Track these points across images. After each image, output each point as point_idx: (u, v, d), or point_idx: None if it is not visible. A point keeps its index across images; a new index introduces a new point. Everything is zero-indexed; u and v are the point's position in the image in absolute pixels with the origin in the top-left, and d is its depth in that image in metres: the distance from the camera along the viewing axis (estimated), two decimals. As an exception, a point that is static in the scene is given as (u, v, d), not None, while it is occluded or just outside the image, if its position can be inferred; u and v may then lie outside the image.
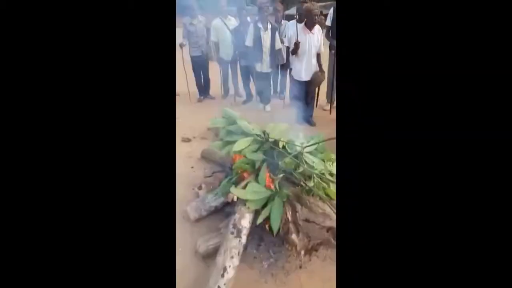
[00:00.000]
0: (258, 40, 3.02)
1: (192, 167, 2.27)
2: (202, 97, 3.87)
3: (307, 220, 1.28)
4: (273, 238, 1.46)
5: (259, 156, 1.46)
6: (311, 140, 1.56)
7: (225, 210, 1.71)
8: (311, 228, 1.28)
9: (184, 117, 3.13)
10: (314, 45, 2.64)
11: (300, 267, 1.35)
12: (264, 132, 1.57)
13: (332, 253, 1.40)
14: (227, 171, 2.00)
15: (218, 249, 1.29)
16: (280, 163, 1.42)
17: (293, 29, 2.72)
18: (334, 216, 1.29)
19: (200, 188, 1.84)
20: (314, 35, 2.63)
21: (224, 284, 1.11)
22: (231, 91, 3.89)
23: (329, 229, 1.27)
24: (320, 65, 2.81)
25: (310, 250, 1.28)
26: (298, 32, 2.57)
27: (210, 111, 3.21)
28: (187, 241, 1.53)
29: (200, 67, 3.65)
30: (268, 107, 3.40)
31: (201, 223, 1.66)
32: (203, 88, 3.84)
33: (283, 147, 1.53)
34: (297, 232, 1.26)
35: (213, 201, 1.66)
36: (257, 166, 1.49)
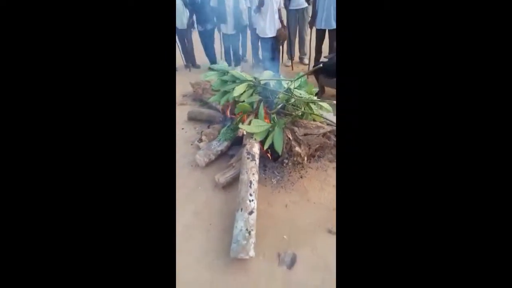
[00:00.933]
0: (221, 1, 3.06)
1: (182, 129, 2.38)
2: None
3: (305, 135, 1.58)
4: (274, 163, 1.75)
5: (256, 97, 1.67)
6: (293, 79, 1.82)
7: (229, 153, 1.92)
8: (310, 139, 1.58)
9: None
10: (276, 1, 2.81)
11: (301, 177, 1.67)
12: (255, 78, 1.77)
13: (327, 156, 1.76)
14: (222, 121, 2.19)
15: (238, 174, 1.52)
16: (274, 100, 1.65)
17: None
18: (326, 126, 1.62)
19: (200, 140, 1.99)
20: None
21: (251, 193, 1.36)
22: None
23: (323, 134, 1.61)
24: (281, 21, 3.01)
25: (312, 155, 1.60)
26: None
27: (184, 81, 3.23)
28: (204, 181, 1.73)
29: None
30: (239, 68, 3.53)
31: (210, 167, 1.85)
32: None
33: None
34: (299, 145, 1.55)
35: (218, 146, 1.85)
36: (254, 106, 1.71)
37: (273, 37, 2.99)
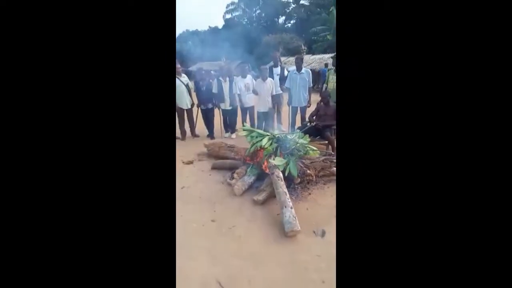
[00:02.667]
0: (220, 88, 4.31)
1: (210, 175, 3.09)
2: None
3: (311, 162, 2.50)
4: (291, 185, 2.58)
5: (274, 145, 2.63)
6: (295, 133, 2.87)
7: (254, 185, 2.69)
8: (314, 165, 2.50)
9: (177, 149, 3.87)
10: (267, 89, 4.13)
11: (310, 194, 2.51)
12: (271, 133, 2.78)
13: (327, 174, 2.67)
14: (244, 164, 3.00)
15: (272, 193, 2.29)
16: (287, 145, 2.63)
17: (245, 81, 4.19)
18: (322, 156, 2.62)
19: (232, 178, 2.74)
20: (267, 84, 4.14)
21: (288, 198, 2.13)
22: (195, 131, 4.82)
23: (322, 160, 2.57)
24: (273, 103, 4.28)
25: (317, 175, 2.50)
26: (256, 83, 4.05)
27: (192, 145, 4.07)
28: (245, 202, 2.42)
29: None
30: (233, 135, 4.56)
31: (244, 194, 2.56)
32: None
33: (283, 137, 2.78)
34: (309, 169, 2.46)
35: (249, 179, 2.63)
36: (273, 150, 2.64)
37: (265, 112, 4.21)
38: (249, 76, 4.28)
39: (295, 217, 1.94)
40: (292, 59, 11.32)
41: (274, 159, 2.50)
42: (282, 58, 14.17)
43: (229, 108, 4.49)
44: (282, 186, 2.25)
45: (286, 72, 4.17)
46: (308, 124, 3.79)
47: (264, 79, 4.06)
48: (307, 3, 22.27)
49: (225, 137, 4.57)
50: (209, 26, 29.24)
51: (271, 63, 4.57)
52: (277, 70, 4.28)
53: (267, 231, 1.99)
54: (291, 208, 2.03)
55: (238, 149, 3.29)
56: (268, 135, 2.71)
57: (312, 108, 3.96)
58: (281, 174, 2.43)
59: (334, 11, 16.17)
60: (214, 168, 3.22)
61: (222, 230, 2.02)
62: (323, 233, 1.93)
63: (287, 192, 2.20)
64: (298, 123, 4.36)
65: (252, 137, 2.72)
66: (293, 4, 23.61)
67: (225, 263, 1.67)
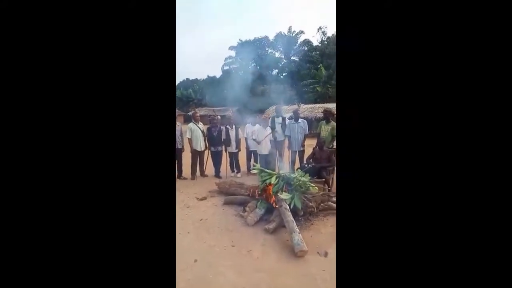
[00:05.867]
0: (227, 134, 5.01)
1: (223, 209, 3.53)
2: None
3: (313, 196, 3.02)
4: (296, 216, 3.04)
5: (281, 183, 3.18)
6: (298, 171, 3.43)
7: (263, 217, 3.14)
8: (315, 198, 3.01)
9: (189, 188, 4.34)
10: (266, 135, 4.85)
11: (312, 224, 2.97)
12: (278, 173, 3.35)
13: (328, 210, 3.14)
14: (254, 199, 3.47)
15: (280, 223, 2.76)
16: (291, 182, 3.19)
17: (252, 128, 4.94)
18: (321, 191, 3.16)
19: (245, 211, 3.20)
20: (267, 131, 4.87)
21: (295, 225, 2.59)
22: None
23: (323, 195, 3.08)
24: (276, 148, 4.95)
25: (317, 208, 3.00)
26: (258, 131, 4.79)
27: (203, 184, 4.56)
28: (257, 231, 2.84)
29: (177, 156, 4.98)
30: (239, 174, 5.10)
31: (256, 225, 2.99)
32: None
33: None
34: (310, 201, 2.97)
35: (260, 211, 3.10)
36: (280, 186, 3.18)
37: (266, 154, 4.85)
38: (257, 125, 5.04)
39: (302, 240, 2.40)
40: (286, 107, 12.55)
41: (282, 194, 3.02)
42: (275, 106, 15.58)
43: (236, 150, 5.13)
44: (289, 216, 2.73)
45: (287, 121, 4.95)
46: (306, 165, 4.42)
47: (265, 127, 4.82)
48: (297, 59, 25.16)
49: (231, 177, 5.09)
50: (207, 75, 31.97)
51: (274, 113, 5.38)
52: (279, 120, 5.07)
53: (280, 253, 2.41)
54: (299, 233, 2.49)
55: (247, 186, 3.80)
56: (275, 174, 3.28)
57: (307, 151, 4.63)
58: (288, 206, 2.92)
59: (322, 68, 18.37)
60: (226, 203, 3.68)
61: (242, 252, 2.43)
62: (325, 254, 2.37)
63: (294, 221, 2.68)
64: (297, 164, 5.00)
65: (262, 176, 3.28)
66: (285, 59, 26.59)
67: (248, 276, 2.06)
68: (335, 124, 4.65)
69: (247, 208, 3.22)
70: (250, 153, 5.18)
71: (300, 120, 4.86)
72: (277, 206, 3.08)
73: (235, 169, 5.25)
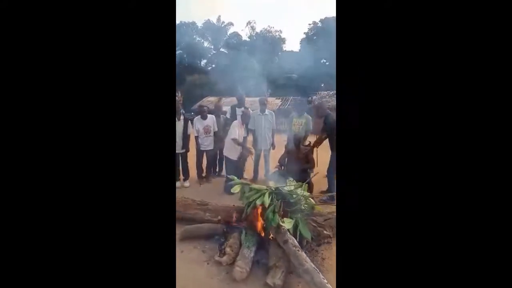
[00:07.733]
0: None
1: (182, 252, 2.17)
2: None
3: (325, 220, 2.08)
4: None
5: (276, 202, 2.11)
6: (297, 186, 2.40)
7: (255, 259, 2.00)
8: (330, 222, 2.09)
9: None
10: (240, 135, 3.60)
11: (324, 258, 2.05)
12: (271, 187, 2.25)
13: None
14: (227, 231, 2.25)
15: (288, 267, 1.71)
16: (291, 201, 2.15)
17: (204, 123, 3.61)
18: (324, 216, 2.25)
19: (224, 254, 1.97)
20: (243, 129, 3.63)
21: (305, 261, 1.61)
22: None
23: (325, 220, 2.19)
24: (242, 147, 3.74)
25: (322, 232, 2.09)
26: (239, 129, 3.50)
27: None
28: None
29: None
30: (187, 183, 3.71)
31: (248, 278, 1.83)
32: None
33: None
34: (325, 228, 2.03)
35: (249, 252, 1.94)
36: (276, 208, 2.10)
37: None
38: (210, 117, 3.72)
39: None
40: (225, 99, 11.32)
41: (283, 221, 1.96)
42: (211, 99, 14.10)
43: (182, 151, 3.69)
44: (307, 260, 1.71)
45: (250, 112, 3.84)
46: (281, 168, 3.47)
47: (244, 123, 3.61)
48: (226, 51, 24.00)
49: (177, 187, 3.63)
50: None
51: (236, 103, 4.17)
52: (239, 111, 3.91)
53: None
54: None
55: (212, 206, 2.55)
56: (265, 189, 2.17)
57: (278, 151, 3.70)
58: (295, 241, 1.90)
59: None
60: (184, 238, 2.32)
61: None
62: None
63: (316, 268, 1.67)
64: (263, 168, 4.00)
65: (247, 196, 2.11)
66: (214, 50, 25.01)
67: None
68: (310, 117, 3.89)
69: (227, 249, 2.01)
70: (201, 154, 3.84)
71: (267, 111, 3.87)
72: (272, 238, 2.02)
73: (181, 175, 3.80)
